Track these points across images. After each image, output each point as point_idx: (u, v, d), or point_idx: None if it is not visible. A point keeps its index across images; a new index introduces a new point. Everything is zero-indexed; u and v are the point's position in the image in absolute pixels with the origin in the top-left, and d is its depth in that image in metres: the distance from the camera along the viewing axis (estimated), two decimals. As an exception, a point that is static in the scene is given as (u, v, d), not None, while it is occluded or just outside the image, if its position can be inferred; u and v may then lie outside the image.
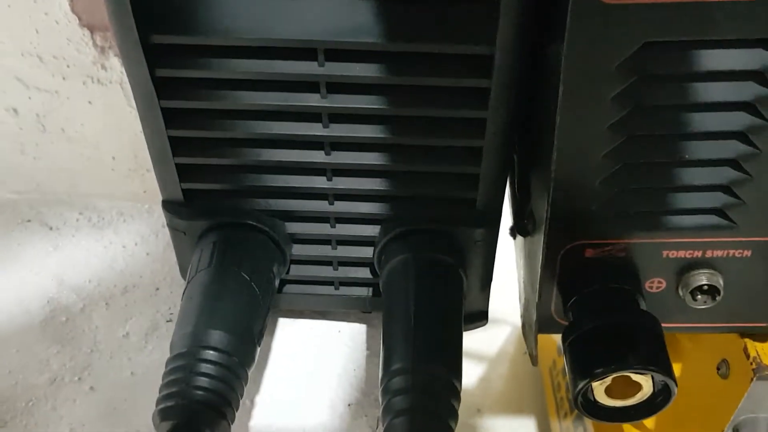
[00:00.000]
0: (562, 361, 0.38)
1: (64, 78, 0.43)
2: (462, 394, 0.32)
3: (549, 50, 0.31)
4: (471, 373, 0.82)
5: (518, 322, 0.45)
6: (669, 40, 0.29)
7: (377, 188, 0.35)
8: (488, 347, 0.87)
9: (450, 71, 0.31)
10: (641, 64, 0.30)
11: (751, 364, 0.39)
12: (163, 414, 0.30)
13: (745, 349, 0.40)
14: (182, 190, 0.35)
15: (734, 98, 0.31)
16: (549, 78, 0.31)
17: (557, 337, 0.38)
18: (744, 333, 0.40)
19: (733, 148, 0.33)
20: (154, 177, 0.36)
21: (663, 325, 0.36)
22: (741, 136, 0.32)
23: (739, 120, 0.32)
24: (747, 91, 0.31)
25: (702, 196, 0.34)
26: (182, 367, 0.31)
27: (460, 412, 0.31)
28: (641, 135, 0.32)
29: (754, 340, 0.40)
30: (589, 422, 0.68)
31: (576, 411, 0.75)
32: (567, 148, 0.32)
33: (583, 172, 0.33)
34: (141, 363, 0.42)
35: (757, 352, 0.39)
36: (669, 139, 0.33)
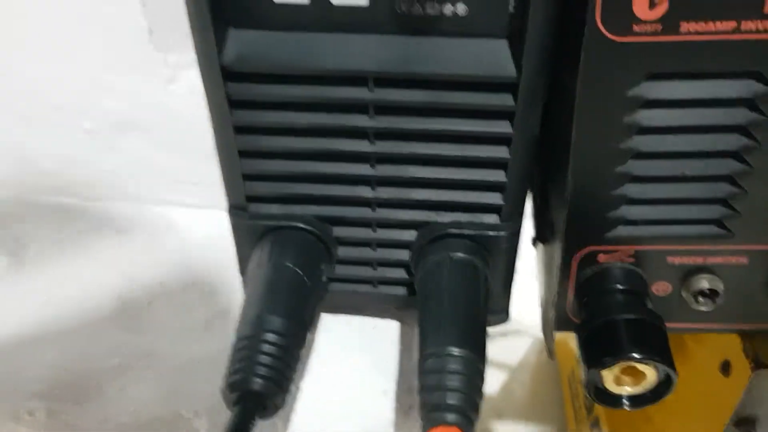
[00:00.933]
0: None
1: (137, 92, 0.49)
2: (484, 399, 0.37)
3: (566, 77, 0.36)
4: (494, 380, 0.86)
5: (540, 334, 0.49)
6: (670, 72, 0.34)
7: (415, 197, 0.40)
8: (511, 357, 0.91)
9: (480, 95, 0.36)
10: (647, 92, 0.35)
11: (750, 362, 0.43)
12: (232, 386, 0.35)
13: (745, 349, 0.44)
14: (246, 196, 0.41)
15: (729, 122, 0.36)
16: (566, 101, 0.36)
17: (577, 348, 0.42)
18: (744, 333, 0.44)
19: (728, 166, 0.37)
20: (219, 186, 0.41)
21: (669, 325, 0.40)
22: (735, 155, 0.37)
23: (733, 141, 0.36)
24: (740, 115, 0.35)
25: (702, 208, 0.39)
26: (247, 346, 0.36)
27: (483, 415, 0.36)
28: (648, 153, 0.37)
29: (753, 340, 0.44)
30: (605, 427, 0.72)
31: (592, 417, 0.79)
32: (582, 165, 0.37)
33: (596, 186, 0.37)
34: (198, 351, 0.47)
35: (755, 352, 0.43)
36: (672, 156, 0.37)
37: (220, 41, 0.35)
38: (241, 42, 0.35)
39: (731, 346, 0.44)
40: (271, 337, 0.36)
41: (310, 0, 0.34)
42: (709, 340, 0.48)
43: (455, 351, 0.36)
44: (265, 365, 0.35)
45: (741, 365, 0.44)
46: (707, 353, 0.48)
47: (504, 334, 0.71)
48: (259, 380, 0.35)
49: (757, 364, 0.43)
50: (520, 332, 0.78)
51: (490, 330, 0.40)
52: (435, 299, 0.38)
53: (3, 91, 0.49)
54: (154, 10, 0.44)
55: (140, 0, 0.43)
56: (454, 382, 0.35)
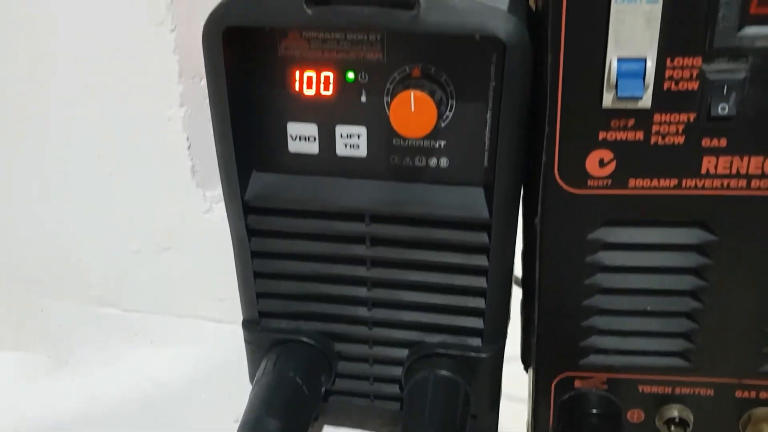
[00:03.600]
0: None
1: (179, 221, 0.57)
2: None
3: (531, 221, 0.41)
4: None
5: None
6: (624, 219, 0.39)
7: (406, 319, 0.45)
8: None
9: (459, 232, 0.41)
10: (605, 236, 0.39)
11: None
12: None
13: (721, 481, 0.45)
14: (258, 312, 0.46)
15: (682, 264, 0.39)
16: (533, 243, 0.41)
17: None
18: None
19: (686, 303, 0.40)
20: (238, 302, 0.47)
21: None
22: (691, 294, 0.40)
23: (688, 282, 0.39)
24: (691, 259, 0.39)
25: (666, 341, 0.41)
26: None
27: None
28: (611, 289, 0.41)
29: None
30: None
31: None
32: (550, 299, 0.40)
33: (564, 317, 0.41)
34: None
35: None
36: (634, 293, 0.41)
37: (244, 181, 0.42)
38: (261, 182, 0.42)
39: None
40: (267, 438, 0.41)
41: (319, 150, 0.42)
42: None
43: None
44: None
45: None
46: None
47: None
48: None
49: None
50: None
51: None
52: (418, 412, 0.43)
53: (63, 213, 0.57)
54: (197, 152, 0.52)
55: (187, 144, 0.51)
56: None
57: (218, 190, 0.44)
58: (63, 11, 0.51)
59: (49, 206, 0.59)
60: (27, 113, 0.56)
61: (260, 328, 0.47)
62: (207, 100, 0.39)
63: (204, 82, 0.39)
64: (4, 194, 0.59)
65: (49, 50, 0.52)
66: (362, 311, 0.45)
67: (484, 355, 0.44)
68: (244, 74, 0.40)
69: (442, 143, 0.40)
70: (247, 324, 0.47)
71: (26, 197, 0.59)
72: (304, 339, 0.46)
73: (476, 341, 0.45)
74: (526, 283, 0.46)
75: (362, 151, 0.41)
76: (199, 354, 0.59)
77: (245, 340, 0.48)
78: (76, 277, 0.60)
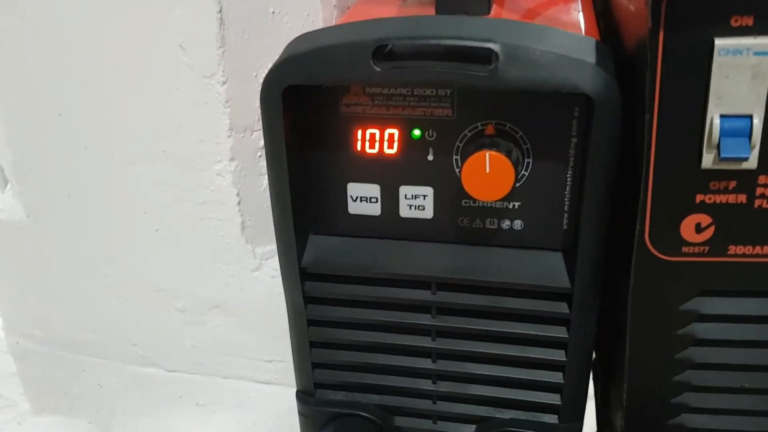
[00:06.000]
0: None
1: (228, 278, 0.54)
2: None
3: (620, 290, 0.38)
4: None
5: None
6: (721, 289, 0.36)
7: (472, 393, 0.41)
8: None
9: (536, 302, 0.38)
10: (699, 307, 0.36)
11: None
12: None
13: None
14: (314, 383, 0.43)
15: None
16: (620, 314, 0.37)
17: None
18: None
19: None
20: (288, 364, 0.44)
21: None
22: (800, 369, 0.37)
23: None
24: None
25: (763, 421, 0.38)
26: None
27: None
28: (705, 364, 0.37)
29: None
30: None
31: None
32: (638, 375, 0.37)
33: (653, 394, 0.38)
34: None
35: None
36: (729, 368, 0.37)
37: (301, 246, 0.39)
38: (319, 247, 0.39)
39: None
40: None
41: (381, 212, 0.39)
42: None
43: None
44: None
45: None
46: None
47: None
48: None
49: None
50: None
51: None
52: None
53: (109, 270, 0.55)
54: (247, 208, 0.50)
55: (237, 200, 0.49)
56: None
57: (268, 247, 0.41)
58: (115, 62, 0.49)
59: (95, 265, 0.57)
60: (76, 167, 0.55)
61: (316, 400, 0.43)
62: (257, 154, 0.36)
63: (254, 135, 0.36)
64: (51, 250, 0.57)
65: (101, 104, 0.51)
66: (426, 384, 0.42)
67: (560, 435, 0.40)
68: (302, 132, 0.37)
69: (517, 204, 0.37)
70: (301, 395, 0.44)
71: (72, 256, 0.57)
72: (363, 413, 0.42)
73: (553, 418, 0.41)
74: (603, 350, 0.43)
75: (428, 213, 0.38)
76: (245, 418, 0.56)
77: (299, 412, 0.44)
78: (120, 337, 0.57)
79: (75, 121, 0.53)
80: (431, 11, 0.38)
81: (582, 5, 0.42)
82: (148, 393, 0.56)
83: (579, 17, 0.40)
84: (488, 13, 0.38)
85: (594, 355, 0.43)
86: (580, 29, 0.38)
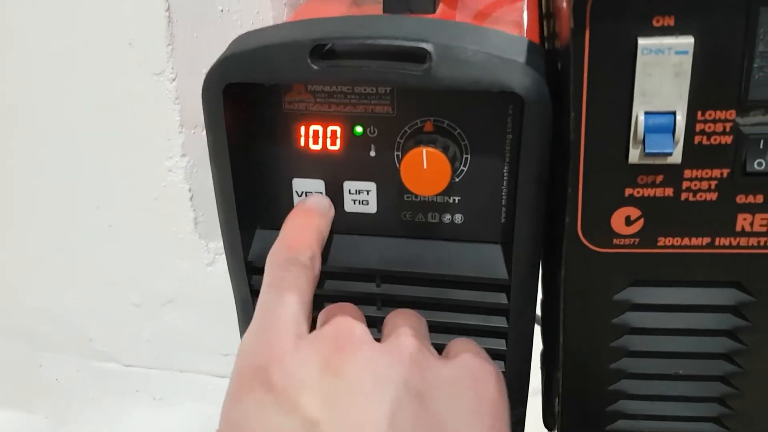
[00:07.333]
0: None
1: (182, 273, 0.55)
2: None
3: (557, 281, 0.39)
4: None
5: None
6: (653, 279, 0.37)
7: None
8: None
9: (476, 293, 0.39)
10: (632, 297, 0.37)
11: None
12: None
13: None
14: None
15: (716, 327, 0.37)
16: (557, 300, 0.39)
17: None
18: None
19: (721, 367, 0.38)
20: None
21: None
22: (726, 357, 0.38)
23: (723, 344, 0.37)
24: (726, 321, 0.37)
25: (699, 406, 0.39)
26: None
27: None
28: (639, 352, 0.39)
29: None
30: None
31: None
32: (574, 362, 0.38)
33: (590, 381, 0.39)
34: None
35: None
36: (663, 356, 0.39)
37: (247, 240, 0.40)
38: (266, 241, 0.40)
39: None
40: None
41: (327, 207, 0.39)
42: None
43: None
44: None
45: None
46: None
47: None
48: None
49: None
50: None
51: None
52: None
53: (62, 265, 0.55)
54: (199, 203, 0.50)
55: (189, 196, 0.49)
56: None
57: (221, 242, 0.42)
58: (65, 59, 0.49)
59: (48, 259, 0.57)
60: (26, 163, 0.55)
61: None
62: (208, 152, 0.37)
63: (205, 131, 0.37)
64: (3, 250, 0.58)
65: (51, 100, 0.51)
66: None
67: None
68: (245, 129, 0.38)
69: (457, 199, 0.38)
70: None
71: (25, 251, 0.57)
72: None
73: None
74: (547, 340, 0.44)
75: (372, 207, 0.39)
76: (203, 411, 0.57)
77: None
78: (76, 332, 0.58)
79: (24, 116, 0.53)
80: (380, 10, 0.39)
81: (527, 6, 0.43)
82: (105, 387, 0.57)
83: (523, 18, 0.41)
84: (434, 12, 0.39)
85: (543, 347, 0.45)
86: (523, 30, 0.39)
